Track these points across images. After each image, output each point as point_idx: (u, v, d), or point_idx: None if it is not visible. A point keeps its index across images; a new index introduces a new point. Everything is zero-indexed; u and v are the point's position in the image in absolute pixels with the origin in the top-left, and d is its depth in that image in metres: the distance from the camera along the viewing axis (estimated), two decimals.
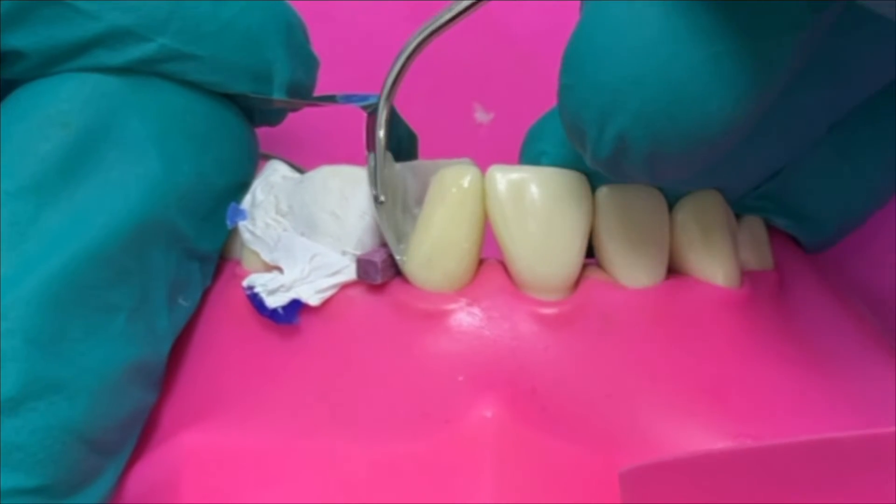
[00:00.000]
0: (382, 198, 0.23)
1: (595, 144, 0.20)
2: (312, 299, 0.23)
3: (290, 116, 0.27)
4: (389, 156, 0.24)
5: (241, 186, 0.25)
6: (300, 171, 0.25)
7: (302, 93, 0.26)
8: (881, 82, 0.23)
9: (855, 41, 0.21)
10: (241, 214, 0.25)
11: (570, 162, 0.23)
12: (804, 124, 0.23)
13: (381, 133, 0.23)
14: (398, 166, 0.24)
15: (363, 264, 0.23)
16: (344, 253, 0.23)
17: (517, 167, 0.23)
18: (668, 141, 0.19)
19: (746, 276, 0.24)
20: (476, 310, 0.23)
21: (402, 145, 0.24)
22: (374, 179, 0.23)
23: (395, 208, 0.24)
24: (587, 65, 0.19)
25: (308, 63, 0.26)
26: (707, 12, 0.18)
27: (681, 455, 0.19)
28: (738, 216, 0.25)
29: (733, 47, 0.18)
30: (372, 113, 0.23)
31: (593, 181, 0.23)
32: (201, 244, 0.24)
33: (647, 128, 0.19)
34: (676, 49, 0.18)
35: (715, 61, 0.18)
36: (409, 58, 0.22)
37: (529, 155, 0.25)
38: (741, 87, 0.19)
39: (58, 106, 0.22)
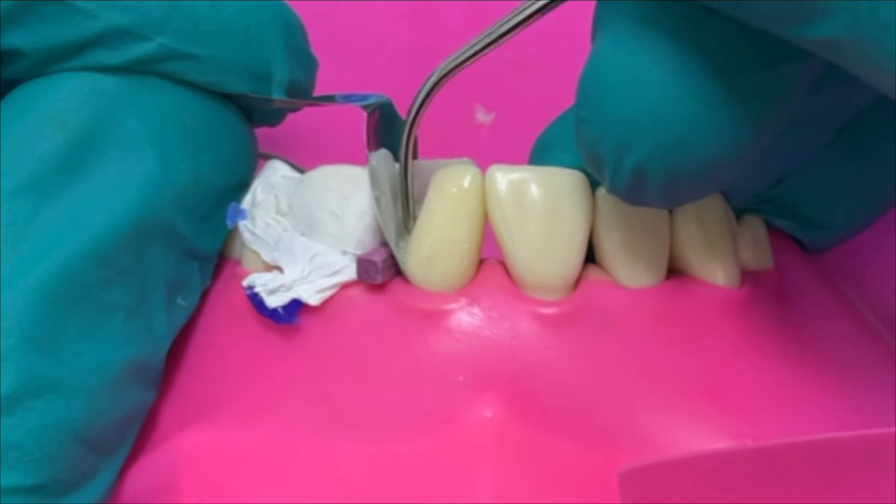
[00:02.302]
0: (412, 221, 0.23)
1: (613, 175, 0.20)
2: (312, 299, 0.23)
3: (291, 116, 0.27)
4: (389, 155, 0.24)
5: (241, 186, 0.25)
6: (300, 170, 0.25)
7: (301, 93, 0.26)
8: None
9: None
10: (241, 214, 0.25)
11: (581, 166, 0.23)
12: (814, 127, 0.23)
13: (403, 163, 0.23)
14: (398, 166, 0.24)
15: (363, 264, 0.23)
16: (344, 253, 0.23)
17: (517, 167, 0.23)
18: (684, 170, 0.19)
19: (746, 276, 0.24)
20: (476, 310, 0.22)
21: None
22: (375, 181, 0.23)
23: (395, 208, 0.23)
24: (603, 99, 0.19)
25: (307, 63, 0.26)
26: (719, 46, 0.19)
27: (680, 455, 0.19)
28: (738, 216, 0.25)
29: (746, 78, 0.19)
30: (372, 113, 0.23)
31: (594, 181, 0.23)
32: (200, 244, 0.24)
33: (665, 159, 0.19)
34: (690, 82, 0.19)
35: (728, 92, 0.19)
36: (433, 88, 0.22)
37: (540, 163, 0.25)
38: (754, 114, 0.19)
39: (56, 105, 0.22)
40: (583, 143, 0.20)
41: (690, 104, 0.19)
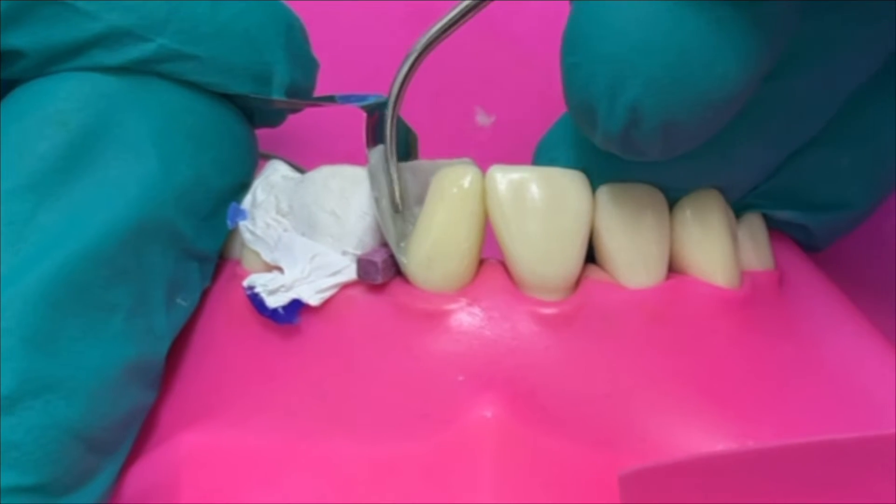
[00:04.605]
0: (398, 201, 0.23)
1: (606, 119, 0.20)
2: (313, 299, 0.23)
3: (291, 117, 0.27)
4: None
5: (241, 187, 0.25)
6: (300, 171, 0.25)
7: (301, 94, 0.26)
8: (871, 66, 0.23)
9: (842, 21, 0.21)
10: (241, 214, 0.25)
11: (582, 165, 0.23)
12: (801, 115, 0.23)
13: (389, 137, 0.23)
14: (398, 166, 0.24)
15: (363, 264, 0.23)
16: (344, 253, 0.23)
17: (517, 167, 0.23)
18: (678, 107, 0.19)
19: (746, 275, 0.24)
20: (476, 310, 0.23)
21: (402, 145, 0.24)
22: (375, 181, 0.23)
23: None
24: (593, 39, 0.19)
25: (307, 65, 0.26)
26: None
27: (681, 457, 0.19)
28: (738, 215, 0.25)
29: (733, 10, 0.19)
30: (372, 113, 0.23)
31: (594, 181, 0.23)
32: (200, 244, 0.24)
33: (658, 95, 0.19)
34: (680, 15, 0.19)
35: (718, 25, 0.19)
36: (415, 62, 0.22)
37: (543, 164, 0.25)
38: (744, 49, 0.19)
39: (56, 105, 0.22)
40: (573, 89, 0.20)
41: (681, 37, 0.19)
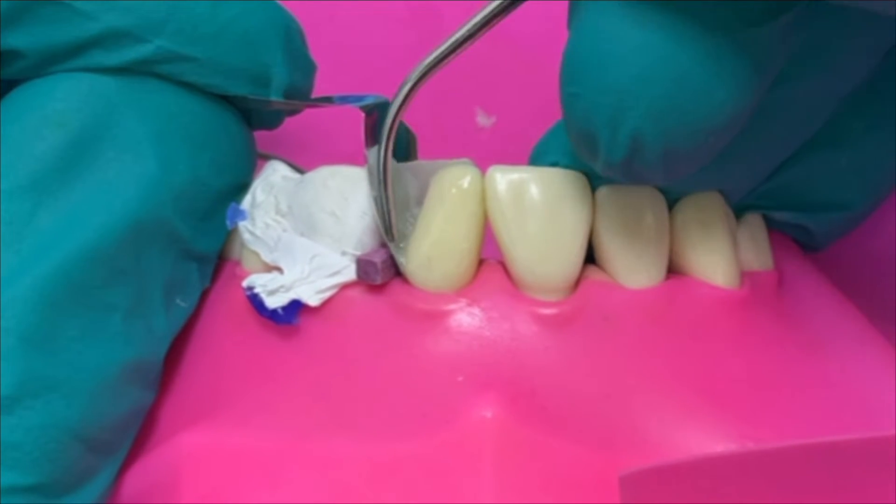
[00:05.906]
0: (394, 231, 0.23)
1: (608, 148, 0.20)
2: (312, 300, 0.23)
3: (290, 117, 0.27)
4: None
5: (239, 188, 0.25)
6: (300, 171, 0.25)
7: (299, 96, 0.26)
8: (870, 65, 0.23)
9: (837, 28, 0.22)
10: (240, 215, 0.25)
11: (582, 167, 0.23)
12: (801, 120, 0.23)
13: (382, 156, 0.23)
14: (398, 166, 0.24)
15: (363, 264, 0.23)
16: (344, 253, 0.23)
17: (517, 167, 0.23)
18: (679, 135, 0.19)
19: (746, 276, 0.24)
20: (476, 310, 0.23)
21: (402, 146, 0.24)
22: (374, 181, 0.23)
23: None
24: (592, 70, 0.19)
25: (305, 67, 0.26)
26: (700, 6, 0.19)
27: (681, 458, 0.19)
28: (737, 216, 0.25)
29: (729, 37, 0.19)
30: (370, 113, 0.23)
31: (593, 181, 0.23)
32: (199, 245, 0.24)
33: (660, 124, 0.19)
34: (677, 44, 0.19)
35: (715, 52, 0.19)
36: (411, 90, 0.22)
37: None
38: (742, 74, 0.19)
39: (54, 105, 0.22)
40: (574, 119, 0.20)
41: (680, 65, 0.19)
